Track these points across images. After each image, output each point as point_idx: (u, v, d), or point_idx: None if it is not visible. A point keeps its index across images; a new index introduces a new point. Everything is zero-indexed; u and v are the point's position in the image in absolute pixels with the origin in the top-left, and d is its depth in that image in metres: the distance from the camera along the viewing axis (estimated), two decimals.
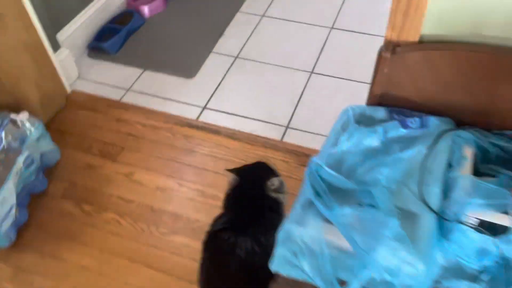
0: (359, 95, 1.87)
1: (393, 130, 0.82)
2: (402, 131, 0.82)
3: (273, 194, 1.04)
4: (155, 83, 1.94)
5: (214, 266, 1.01)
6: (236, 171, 1.11)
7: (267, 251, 0.88)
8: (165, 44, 2.12)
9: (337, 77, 1.92)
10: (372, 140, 0.81)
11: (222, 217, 1.08)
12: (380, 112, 0.87)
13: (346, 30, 2.14)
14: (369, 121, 0.86)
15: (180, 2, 2.35)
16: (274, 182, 1.05)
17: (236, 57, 2.04)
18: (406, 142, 0.80)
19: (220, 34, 2.16)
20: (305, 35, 2.14)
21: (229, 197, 1.10)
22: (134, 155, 1.67)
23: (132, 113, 1.81)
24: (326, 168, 0.76)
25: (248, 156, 1.64)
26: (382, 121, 0.86)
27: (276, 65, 1.99)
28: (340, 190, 0.76)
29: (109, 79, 1.97)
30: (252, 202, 1.05)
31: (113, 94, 1.90)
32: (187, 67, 1.99)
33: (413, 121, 0.83)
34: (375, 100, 0.91)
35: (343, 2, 2.28)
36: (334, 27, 2.16)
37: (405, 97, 0.88)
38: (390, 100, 0.90)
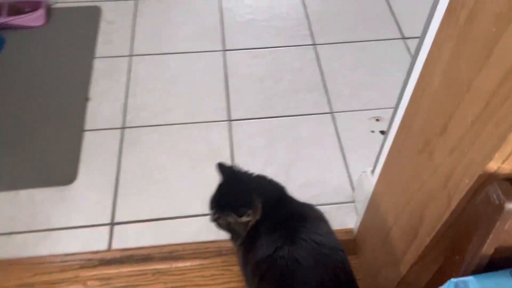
0: (300, 132, 1.56)
1: None
2: None
3: None
4: (22, 209, 1.30)
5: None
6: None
7: (327, 244, 0.85)
8: (11, 138, 1.44)
9: (262, 118, 1.52)
10: None
11: (259, 243, 0.89)
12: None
13: (242, 50, 1.73)
14: None
15: (6, 60, 1.64)
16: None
17: (123, 127, 1.49)
18: None
19: (85, 98, 1.56)
20: (196, 68, 1.67)
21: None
22: None
23: (4, 273, 1.17)
24: None
25: (206, 277, 1.18)
26: None
27: (180, 123, 1.50)
28: None
29: None
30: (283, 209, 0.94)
31: None
32: (59, 167, 1.38)
33: None
34: (482, 261, 0.56)
35: (221, 15, 1.84)
36: (226, 48, 1.73)
37: None
38: (504, 255, 0.57)
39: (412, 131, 0.75)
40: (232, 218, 0.92)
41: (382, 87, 1.60)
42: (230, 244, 1.22)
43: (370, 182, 1.16)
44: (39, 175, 1.36)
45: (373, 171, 1.17)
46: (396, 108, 0.90)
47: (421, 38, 0.75)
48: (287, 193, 0.98)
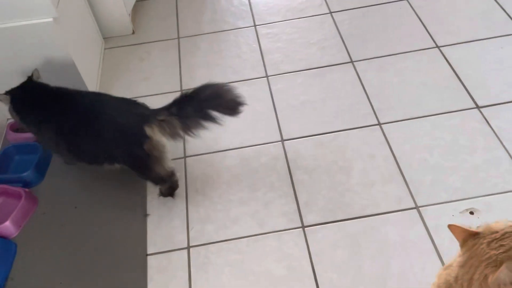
0: (386, 235, 1.37)
1: None
2: None
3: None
4: None
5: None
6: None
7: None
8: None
9: (338, 220, 1.37)
10: None
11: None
12: None
13: (299, 138, 1.59)
14: None
15: (49, 200, 1.56)
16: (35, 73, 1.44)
17: (188, 247, 1.36)
18: None
19: (144, 214, 1.44)
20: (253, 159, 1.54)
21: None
22: None
23: None
24: None
25: None
26: None
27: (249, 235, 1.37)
28: None
29: None
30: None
31: None
32: None
33: None
34: None
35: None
36: (284, 138, 1.61)
37: None
38: None
39: None
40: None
41: (467, 170, 1.43)
42: None
43: None
44: None
45: None
46: None
47: None
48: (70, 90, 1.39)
